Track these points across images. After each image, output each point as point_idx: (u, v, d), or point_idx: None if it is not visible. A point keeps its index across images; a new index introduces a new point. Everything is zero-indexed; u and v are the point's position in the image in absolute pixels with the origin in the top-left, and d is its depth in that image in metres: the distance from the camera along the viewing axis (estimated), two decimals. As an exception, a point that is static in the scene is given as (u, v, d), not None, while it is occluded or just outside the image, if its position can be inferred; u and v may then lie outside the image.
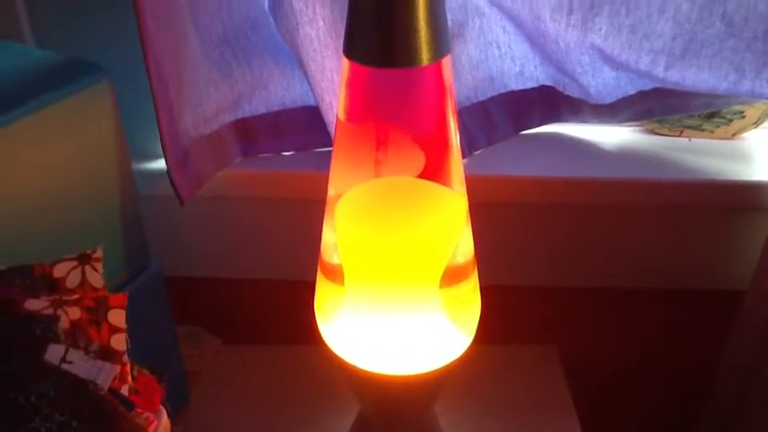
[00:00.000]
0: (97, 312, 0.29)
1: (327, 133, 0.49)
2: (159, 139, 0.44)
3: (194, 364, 0.53)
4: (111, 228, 0.42)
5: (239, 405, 0.51)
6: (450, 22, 0.49)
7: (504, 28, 0.50)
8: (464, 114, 0.51)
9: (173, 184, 0.45)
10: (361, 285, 0.36)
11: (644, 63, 0.45)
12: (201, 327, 0.56)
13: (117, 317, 0.29)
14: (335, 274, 0.38)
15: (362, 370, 0.37)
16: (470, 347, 0.39)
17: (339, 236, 0.35)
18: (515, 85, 0.52)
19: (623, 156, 0.52)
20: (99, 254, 0.32)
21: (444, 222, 0.34)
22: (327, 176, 0.36)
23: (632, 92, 0.50)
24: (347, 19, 0.31)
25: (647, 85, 0.49)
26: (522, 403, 0.52)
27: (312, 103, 0.50)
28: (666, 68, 0.45)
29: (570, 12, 0.45)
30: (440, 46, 0.31)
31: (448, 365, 0.38)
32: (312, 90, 0.46)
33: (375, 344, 0.37)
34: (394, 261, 0.34)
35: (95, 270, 0.32)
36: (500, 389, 0.53)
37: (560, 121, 0.54)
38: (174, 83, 0.44)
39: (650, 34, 0.44)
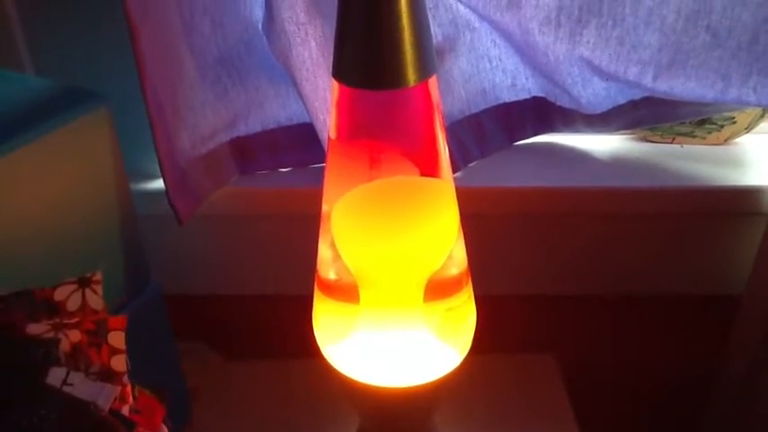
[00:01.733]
0: (97, 335, 0.30)
1: (323, 149, 0.50)
2: (157, 160, 0.45)
3: (196, 380, 0.54)
4: (112, 250, 0.43)
5: (241, 420, 0.52)
6: (441, 37, 0.49)
7: (494, 41, 0.50)
8: (457, 127, 0.52)
9: (171, 205, 0.46)
10: (364, 297, 0.36)
11: (632, 74, 0.46)
12: (203, 343, 0.56)
13: (117, 338, 0.30)
14: (332, 290, 0.38)
15: (361, 383, 0.38)
16: (468, 358, 0.39)
17: (339, 245, 0.35)
18: (507, 97, 0.53)
19: (616, 164, 0.53)
20: (98, 277, 0.33)
21: (440, 213, 0.35)
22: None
23: (623, 101, 0.50)
24: (335, 42, 0.32)
25: (638, 95, 0.50)
26: (522, 414, 0.52)
27: (307, 120, 0.51)
28: (654, 79, 0.46)
29: (558, 25, 0.46)
30: (426, 66, 0.31)
31: (445, 376, 0.38)
32: (306, 109, 0.47)
33: (373, 356, 0.38)
34: (396, 261, 0.35)
35: (95, 293, 0.32)
36: (499, 399, 0.53)
37: (553, 132, 0.55)
38: (170, 106, 0.45)
39: (637, 45, 0.45)
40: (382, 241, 0.34)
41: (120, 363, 0.30)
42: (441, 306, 0.38)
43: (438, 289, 0.37)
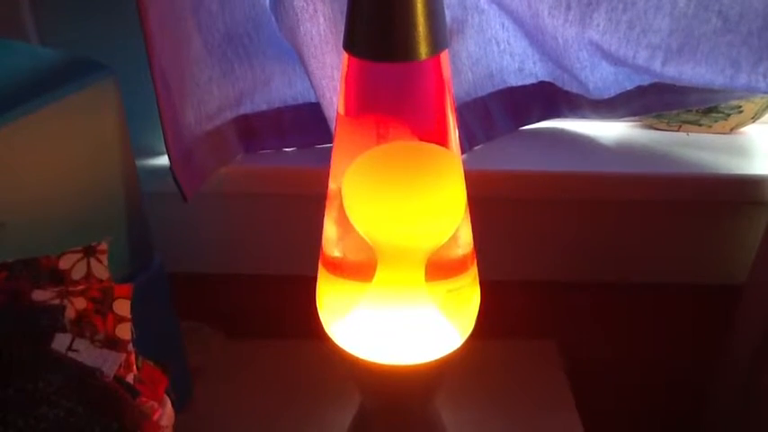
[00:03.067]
0: (102, 302, 0.30)
1: (328, 130, 0.49)
2: (162, 136, 0.44)
3: (198, 359, 0.53)
4: (116, 224, 0.43)
5: (242, 399, 0.52)
6: (449, 19, 0.49)
7: (503, 24, 0.50)
8: (464, 110, 0.52)
9: (176, 181, 0.45)
10: (373, 274, 0.36)
11: (641, 58, 0.46)
12: (204, 322, 0.56)
13: (122, 306, 0.30)
14: (336, 267, 0.38)
15: (364, 361, 0.38)
16: (469, 342, 0.39)
17: (349, 207, 0.34)
18: (514, 81, 0.53)
19: (622, 150, 0.53)
20: (104, 246, 0.33)
21: (449, 181, 0.34)
22: (328, 171, 0.36)
23: (630, 87, 0.50)
24: (347, 13, 0.31)
25: (645, 81, 0.50)
26: (522, 399, 0.52)
27: (313, 99, 0.51)
28: (664, 63, 0.45)
29: (568, 8, 0.46)
30: (438, 40, 0.31)
31: (447, 356, 0.38)
32: (313, 86, 0.47)
33: (377, 334, 0.37)
34: (406, 224, 0.34)
35: (100, 262, 0.32)
36: (500, 384, 0.53)
37: (559, 117, 0.54)
38: (176, 82, 0.45)
39: (647, 30, 0.45)
40: (392, 204, 0.33)
41: (125, 331, 0.29)
42: (445, 286, 0.38)
43: (443, 269, 0.37)
